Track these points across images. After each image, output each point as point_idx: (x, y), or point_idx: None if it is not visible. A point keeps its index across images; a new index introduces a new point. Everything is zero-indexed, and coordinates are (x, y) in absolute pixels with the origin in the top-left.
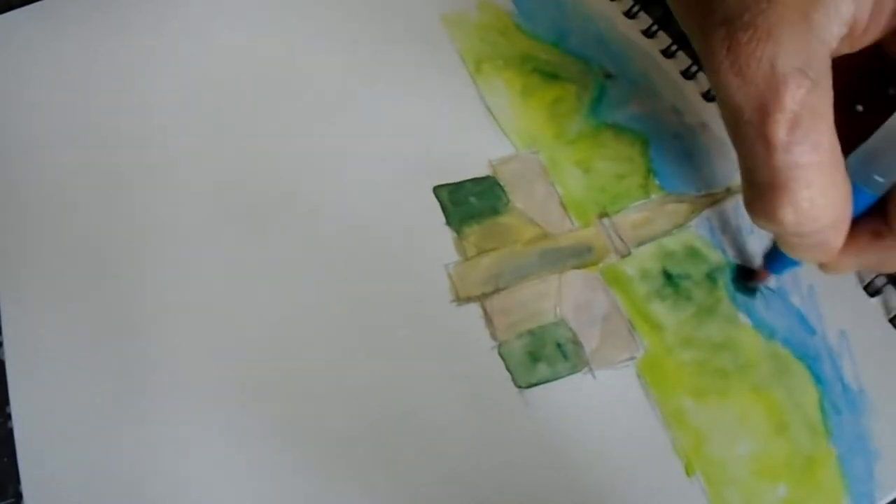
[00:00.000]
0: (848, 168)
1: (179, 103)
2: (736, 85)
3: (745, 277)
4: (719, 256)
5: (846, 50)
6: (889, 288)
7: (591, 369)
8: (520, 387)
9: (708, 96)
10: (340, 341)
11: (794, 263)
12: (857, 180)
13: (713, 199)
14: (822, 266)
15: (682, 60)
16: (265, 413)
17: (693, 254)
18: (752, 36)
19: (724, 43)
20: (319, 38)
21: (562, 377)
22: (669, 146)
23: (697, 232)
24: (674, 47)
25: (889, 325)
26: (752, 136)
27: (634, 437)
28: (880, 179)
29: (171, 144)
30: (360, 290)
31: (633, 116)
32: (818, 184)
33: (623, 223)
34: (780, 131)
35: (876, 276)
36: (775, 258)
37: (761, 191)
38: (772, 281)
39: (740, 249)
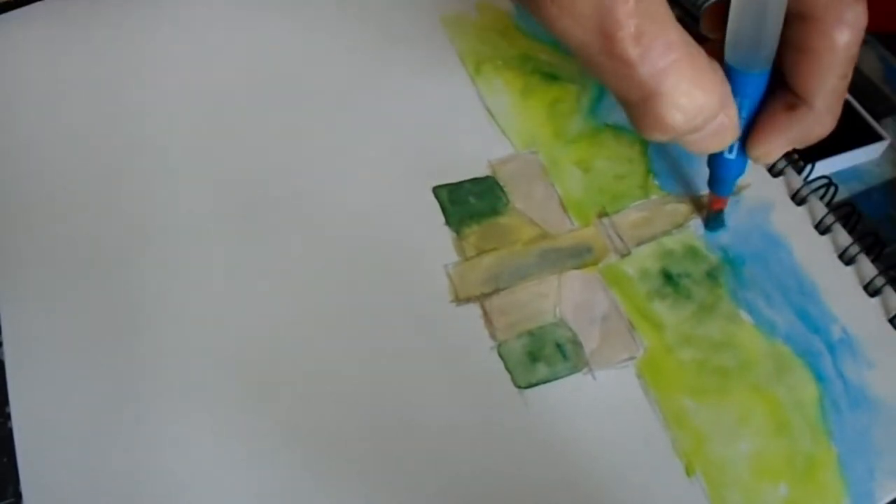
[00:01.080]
0: (728, 60)
1: (179, 103)
2: (573, 25)
3: (708, 217)
4: (719, 256)
5: None
6: (888, 288)
7: (590, 369)
8: (519, 387)
9: None
10: (340, 341)
11: (730, 172)
12: (739, 65)
13: None
14: (755, 156)
15: None
16: (265, 413)
17: (693, 253)
18: None
19: None
20: (319, 40)
21: (561, 377)
22: (669, 148)
23: (697, 232)
24: None
25: (889, 325)
26: (608, 64)
27: (634, 437)
28: (754, 53)
29: (170, 145)
30: (360, 290)
31: None
32: (686, 77)
33: (622, 223)
34: (629, 48)
35: (875, 277)
36: (713, 176)
37: (642, 108)
38: (726, 204)
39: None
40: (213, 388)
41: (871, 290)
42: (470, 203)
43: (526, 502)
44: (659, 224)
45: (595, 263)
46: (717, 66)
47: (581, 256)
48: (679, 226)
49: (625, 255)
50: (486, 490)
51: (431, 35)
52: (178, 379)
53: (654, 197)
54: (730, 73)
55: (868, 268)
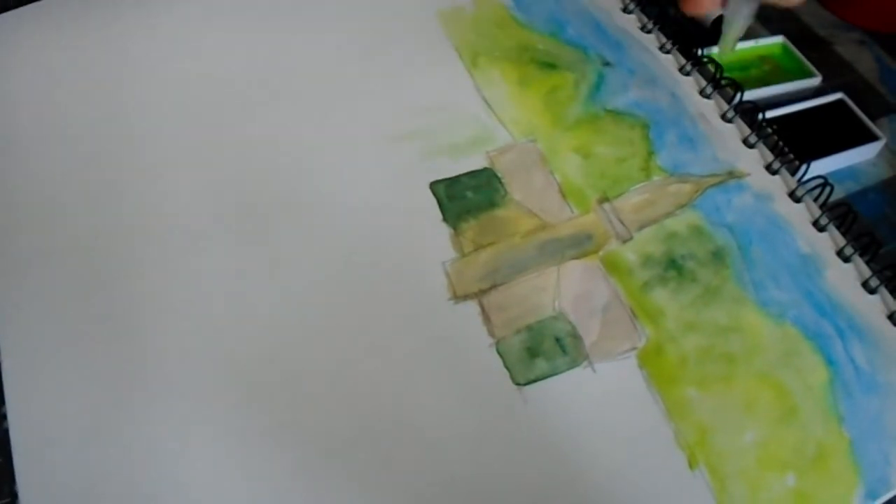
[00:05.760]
0: None
1: (175, 103)
2: None
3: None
4: (725, 235)
5: None
6: (882, 289)
7: (590, 363)
8: (518, 384)
9: (704, 93)
10: (338, 342)
11: None
12: None
13: (716, 179)
14: None
15: (679, 58)
16: (262, 413)
17: (698, 232)
18: None
19: None
20: (315, 36)
21: (561, 372)
22: (670, 129)
23: (701, 211)
24: (668, 45)
25: (888, 322)
26: None
27: (636, 431)
28: None
29: (167, 145)
30: (358, 289)
31: (633, 102)
32: None
33: (624, 207)
34: None
35: (870, 277)
36: None
37: None
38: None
39: None
40: (211, 388)
41: (869, 289)
42: (467, 197)
43: (526, 501)
44: (661, 205)
45: (596, 251)
46: None
47: (581, 245)
48: (682, 206)
49: (626, 240)
50: (486, 489)
51: (427, 30)
52: (174, 379)
53: (656, 178)
54: None
55: (865, 267)
